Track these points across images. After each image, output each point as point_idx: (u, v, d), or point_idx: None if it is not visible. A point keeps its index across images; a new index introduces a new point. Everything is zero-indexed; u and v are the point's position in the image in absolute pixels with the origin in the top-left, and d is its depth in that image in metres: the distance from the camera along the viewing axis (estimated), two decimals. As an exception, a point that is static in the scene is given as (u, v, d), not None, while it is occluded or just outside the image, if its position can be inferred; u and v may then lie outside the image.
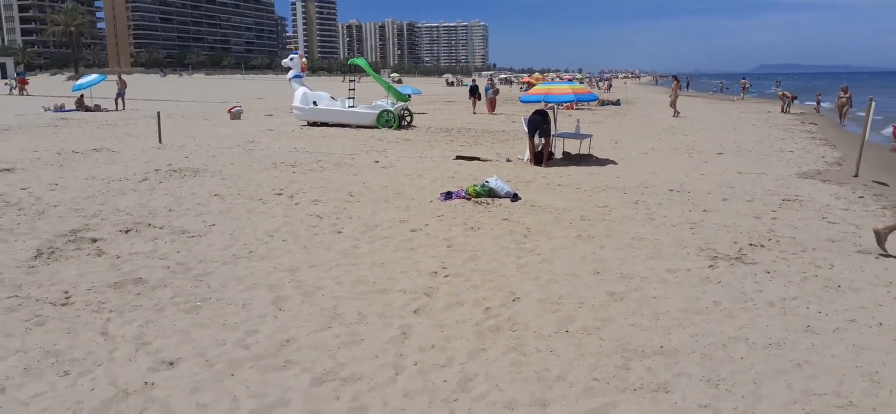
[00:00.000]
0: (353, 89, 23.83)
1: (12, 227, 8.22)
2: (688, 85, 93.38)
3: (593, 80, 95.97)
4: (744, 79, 64.24)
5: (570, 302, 5.71)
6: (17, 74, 57.40)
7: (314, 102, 23.38)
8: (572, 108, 31.80)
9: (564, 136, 15.88)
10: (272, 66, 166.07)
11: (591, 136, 16.33)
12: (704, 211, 9.54)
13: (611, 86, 74.74)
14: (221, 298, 5.82)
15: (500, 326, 5.19)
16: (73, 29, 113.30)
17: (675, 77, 34.79)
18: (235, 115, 26.63)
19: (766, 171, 13.64)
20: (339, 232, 8.22)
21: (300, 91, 23.44)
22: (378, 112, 22.73)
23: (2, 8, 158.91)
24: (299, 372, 4.42)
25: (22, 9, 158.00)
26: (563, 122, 21.01)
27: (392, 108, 22.90)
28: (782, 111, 34.08)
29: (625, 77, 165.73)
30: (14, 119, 25.38)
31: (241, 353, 4.70)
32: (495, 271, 6.55)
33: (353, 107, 23.21)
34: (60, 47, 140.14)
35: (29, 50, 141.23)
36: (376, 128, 22.21)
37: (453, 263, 6.80)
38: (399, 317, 5.38)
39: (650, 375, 4.39)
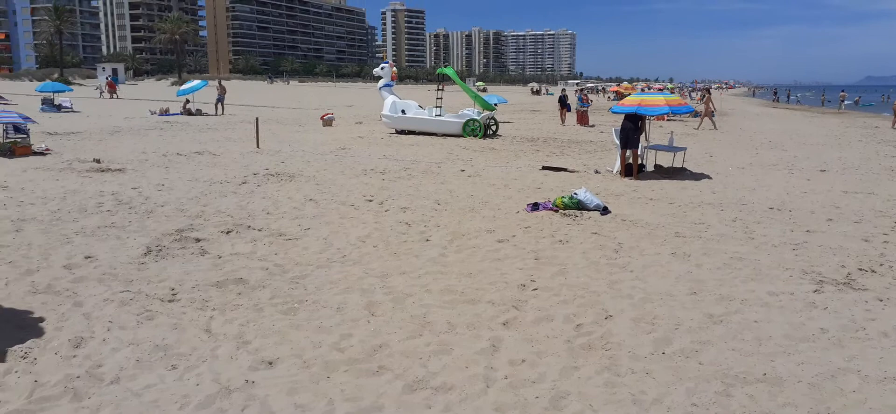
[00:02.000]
0: (441, 98, 24.09)
1: (124, 225, 8.77)
2: (788, 97, 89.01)
3: (685, 90, 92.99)
4: (843, 91, 61.47)
5: (666, 323, 5.54)
6: (108, 79, 61.63)
7: (402, 111, 23.79)
8: (663, 120, 30.82)
9: (657, 148, 15.45)
10: (362, 73, 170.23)
11: (685, 149, 15.81)
12: (808, 231, 9.04)
13: (704, 97, 72.24)
14: (317, 300, 5.99)
15: (593, 343, 5.09)
16: (177, 37, 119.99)
17: (707, 90, 33.64)
18: (328, 122, 27.44)
19: (876, 190, 12.78)
20: (427, 240, 8.30)
21: (390, 100, 23.91)
22: (464, 121, 22.87)
23: (115, 18, 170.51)
24: (392, 378, 4.48)
25: (133, 18, 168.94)
26: (654, 133, 20.46)
27: (478, 118, 22.99)
28: (894, 127, 31.86)
29: (719, 87, 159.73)
30: (124, 122, 27.13)
31: (336, 356, 4.82)
32: (586, 287, 6.43)
33: (440, 115, 23.46)
34: (166, 54, 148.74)
35: (138, 56, 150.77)
36: (462, 136, 22.35)
37: (542, 277, 6.74)
38: (488, 329, 5.37)
39: (753, 404, 4.19)
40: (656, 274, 6.92)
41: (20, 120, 16.82)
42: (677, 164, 15.02)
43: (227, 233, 8.41)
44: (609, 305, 5.94)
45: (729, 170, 15.32)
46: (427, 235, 8.52)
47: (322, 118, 28.16)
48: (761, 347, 5.08)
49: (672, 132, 18.62)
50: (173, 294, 6.08)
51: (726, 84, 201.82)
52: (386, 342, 5.07)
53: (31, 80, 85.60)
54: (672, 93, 39.38)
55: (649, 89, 60.60)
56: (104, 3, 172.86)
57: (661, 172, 14.30)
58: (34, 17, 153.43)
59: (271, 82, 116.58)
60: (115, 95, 49.09)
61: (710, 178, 13.87)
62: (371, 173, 13.90)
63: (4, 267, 6.77)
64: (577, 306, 5.89)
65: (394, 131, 23.64)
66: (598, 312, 5.76)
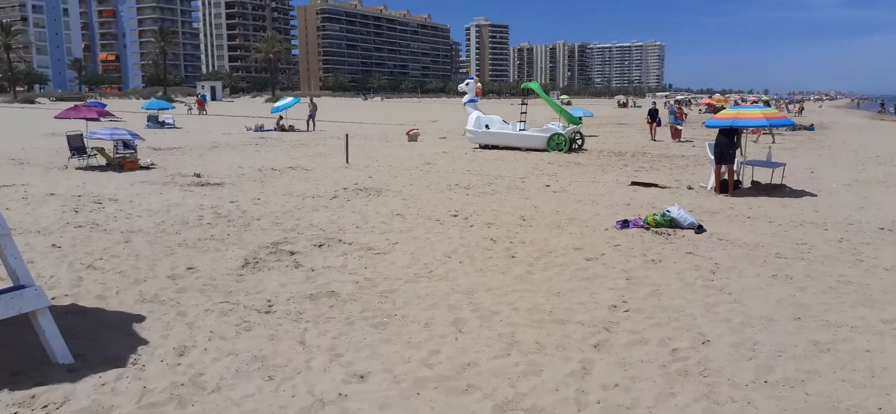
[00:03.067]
0: (525, 112, 24.00)
1: (223, 237, 9.18)
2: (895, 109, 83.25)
3: (782, 102, 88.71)
4: None
5: (768, 349, 5.26)
6: (198, 97, 65.13)
7: (486, 126, 23.85)
8: (759, 134, 29.37)
9: (754, 164, 14.78)
10: (446, 89, 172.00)
11: (784, 164, 15.05)
12: (926, 254, 8.39)
13: (802, 109, 68.67)
14: (405, 315, 6.06)
15: (689, 369, 4.89)
16: (271, 55, 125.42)
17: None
18: (413, 137, 27.87)
19: None
20: (513, 257, 8.25)
21: (474, 115, 24.03)
22: (549, 135, 22.68)
23: (213, 38, 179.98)
24: (481, 398, 4.46)
25: (230, 38, 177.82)
26: (751, 148, 19.60)
27: (563, 131, 22.74)
28: None
29: (818, 99, 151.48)
30: (222, 138, 28.50)
31: (426, 372, 4.85)
32: (681, 309, 6.20)
33: (524, 130, 23.37)
34: (261, 72, 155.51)
35: (234, 74, 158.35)
36: (547, 151, 22.16)
37: (634, 298, 6.55)
38: (578, 350, 5.26)
39: (868, 442, 3.90)
40: (756, 297, 6.59)
41: (129, 136, 17.97)
42: (776, 181, 14.31)
43: (320, 246, 8.66)
44: (706, 328, 5.70)
45: (832, 187, 14.46)
46: (513, 252, 8.47)
47: (408, 134, 28.63)
48: (874, 378, 4.74)
49: (770, 147, 17.79)
50: (269, 306, 6.30)
51: (826, 95, 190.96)
52: (474, 360, 5.06)
53: (137, 99, 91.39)
54: (768, 105, 37.45)
55: (743, 102, 58.17)
56: (204, 24, 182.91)
57: (759, 189, 13.66)
58: (141, 39, 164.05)
59: (365, 99, 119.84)
60: (203, 112, 51.77)
61: (813, 196, 13.14)
62: (456, 188, 13.98)
63: (116, 276, 7.22)
64: (671, 330, 5.68)
65: (477, 146, 23.72)
66: (694, 336, 5.53)
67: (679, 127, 28.37)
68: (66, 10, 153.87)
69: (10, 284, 4.84)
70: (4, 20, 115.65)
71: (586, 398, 4.45)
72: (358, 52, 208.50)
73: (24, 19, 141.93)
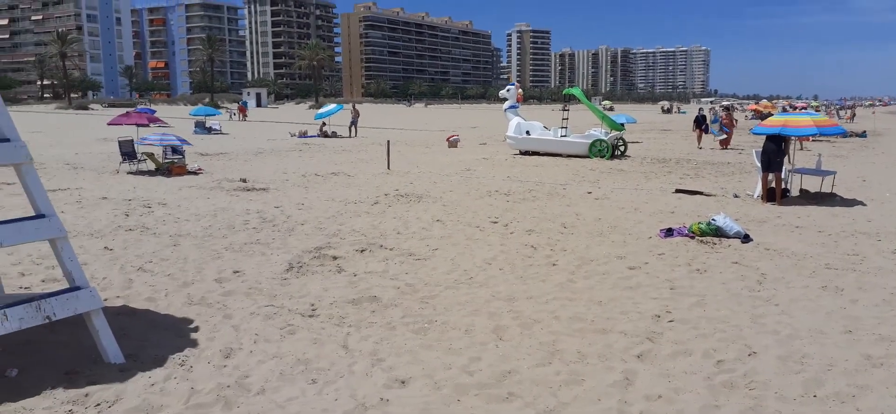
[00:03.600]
0: (567, 119, 23.84)
1: (269, 241, 9.36)
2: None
3: (832, 108, 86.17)
4: None
5: (817, 363, 5.12)
6: (240, 103, 66.48)
7: (527, 132, 23.77)
8: (808, 141, 28.49)
9: (803, 172, 14.40)
10: (486, 95, 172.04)
11: (834, 172, 14.62)
12: None
13: (854, 115, 66.58)
14: (446, 321, 6.08)
15: (735, 382, 4.79)
16: (315, 63, 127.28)
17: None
18: (453, 143, 27.94)
19: None
20: (554, 264, 8.20)
21: (514, 121, 23.98)
22: (590, 141, 22.49)
23: (259, 45, 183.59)
24: (522, 406, 4.45)
25: (275, 46, 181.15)
26: (799, 156, 19.12)
27: (605, 138, 22.52)
28: None
29: (871, 104, 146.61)
30: (267, 144, 29.04)
31: (466, 379, 4.86)
32: (726, 320, 6.08)
33: (565, 136, 23.21)
34: (304, 79, 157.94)
35: (279, 81, 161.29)
36: (588, 157, 21.96)
37: (678, 308, 6.45)
38: (621, 360, 5.21)
39: (925, 462, 3.77)
40: (805, 309, 6.42)
41: (178, 142, 18.45)
42: (826, 190, 13.91)
43: (362, 251, 8.75)
44: (752, 340, 5.58)
45: (886, 196, 13.99)
46: (553, 260, 8.42)
47: (448, 140, 28.71)
48: (932, 396, 4.57)
49: (820, 155, 17.31)
50: (313, 310, 6.39)
51: (880, 100, 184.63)
52: (515, 368, 5.05)
53: (185, 105, 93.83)
54: (818, 112, 36.21)
55: (792, 108, 56.71)
56: (250, 32, 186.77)
57: (808, 198, 13.30)
58: (190, 47, 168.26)
59: (410, 105, 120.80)
60: (244, 118, 52.79)
61: (864, 205, 12.73)
62: (495, 195, 13.97)
63: (165, 279, 7.43)
64: (716, 341, 5.58)
65: (518, 152, 23.65)
66: (740, 347, 5.42)
67: (725, 135, 27.10)
68: (118, 19, 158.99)
69: (66, 286, 5.03)
70: (61, 29, 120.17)
71: (629, 409, 4.40)
72: (399, 59, 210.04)
73: (79, 28, 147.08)
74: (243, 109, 57.07)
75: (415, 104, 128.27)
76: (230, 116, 55.52)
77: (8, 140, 4.55)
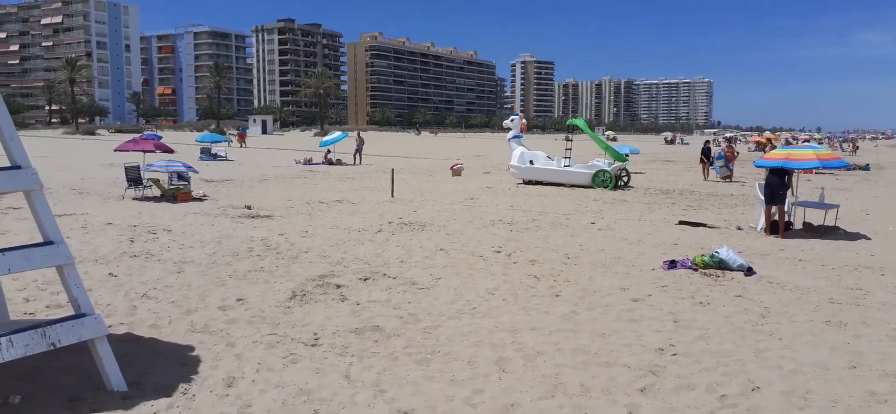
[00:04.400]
0: (570, 149, 23.95)
1: (272, 269, 9.38)
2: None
3: (835, 140, 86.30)
4: None
5: (821, 399, 5.10)
6: (239, 130, 67.27)
7: (531, 161, 23.87)
8: (811, 174, 28.47)
9: (806, 205, 14.42)
10: (490, 124, 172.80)
11: (837, 206, 14.63)
12: None
13: (857, 148, 66.72)
14: (448, 352, 6.08)
15: (738, 417, 4.77)
16: (322, 91, 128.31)
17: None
18: (457, 172, 28.05)
19: None
20: (557, 295, 8.21)
21: (518, 151, 24.11)
22: (594, 172, 22.57)
23: (266, 73, 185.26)
24: (524, 439, 4.44)
25: (282, 73, 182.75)
26: (802, 188, 19.12)
27: (608, 168, 22.60)
28: None
29: (874, 137, 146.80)
30: (272, 170, 29.19)
31: (469, 411, 4.86)
32: (730, 354, 6.07)
33: (568, 166, 23.30)
34: (310, 107, 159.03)
35: (285, 109, 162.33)
36: (592, 187, 22.02)
37: (681, 341, 6.44)
38: (624, 394, 5.20)
39: (930, 501, 3.74)
40: (808, 344, 6.41)
41: (184, 169, 18.57)
42: (829, 223, 13.92)
43: (365, 280, 8.77)
44: (756, 375, 5.56)
45: (890, 230, 13.98)
46: (557, 290, 8.43)
47: (451, 168, 28.82)
48: (937, 434, 4.55)
49: (823, 188, 17.34)
50: (316, 339, 6.40)
51: (882, 134, 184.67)
52: (518, 401, 5.04)
53: (191, 131, 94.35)
54: (821, 144, 36.24)
55: (795, 141, 56.83)
56: (257, 60, 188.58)
57: (811, 231, 13.30)
58: (197, 74, 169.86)
59: (418, 133, 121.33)
60: (243, 145, 53.23)
61: (868, 239, 12.72)
62: (499, 224, 14.00)
63: (169, 306, 7.45)
64: (720, 375, 5.56)
65: (521, 181, 23.72)
66: (743, 382, 5.41)
67: (729, 171, 26.76)
68: (128, 46, 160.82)
69: (70, 312, 5.06)
70: (71, 55, 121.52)
71: (631, 443, 4.39)
72: (404, 88, 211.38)
73: (89, 55, 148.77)
74: (242, 136, 57.69)
75: (423, 133, 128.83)
76: (229, 142, 55.96)
77: (20, 167, 4.62)
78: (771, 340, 6.48)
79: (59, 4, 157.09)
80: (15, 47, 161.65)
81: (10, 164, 4.66)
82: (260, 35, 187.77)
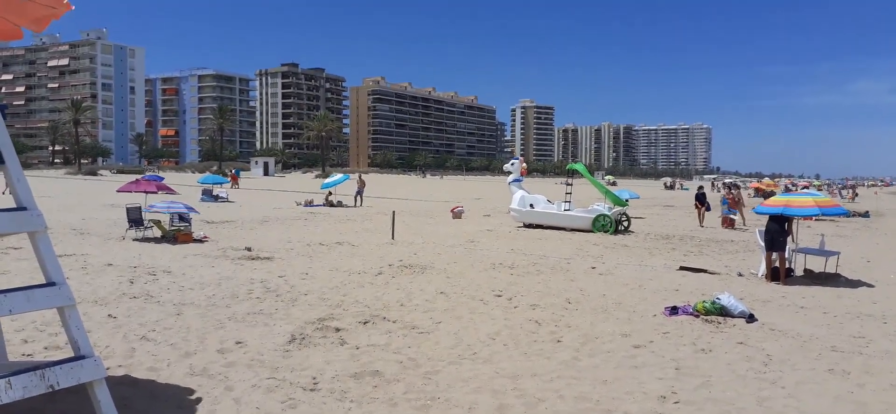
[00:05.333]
0: (570, 193, 24.04)
1: (271, 311, 9.35)
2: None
3: (835, 187, 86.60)
4: None
5: (826, 449, 5.04)
6: (232, 172, 68.03)
7: (531, 205, 23.96)
8: (811, 220, 28.46)
9: (806, 252, 14.41)
10: (490, 167, 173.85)
11: (838, 253, 14.62)
12: None
13: (856, 194, 66.90)
14: (448, 398, 6.02)
15: (742, 467, 4.72)
16: (324, 134, 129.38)
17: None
18: (457, 214, 28.11)
19: None
20: (559, 341, 8.16)
21: (518, 194, 24.22)
22: (594, 216, 22.62)
23: (269, 116, 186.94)
24: (525, 488, 4.38)
25: (285, 116, 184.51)
26: (803, 235, 19.13)
27: (609, 213, 22.65)
28: None
29: (873, 184, 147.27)
30: (272, 212, 29.24)
31: (469, 459, 4.79)
32: (732, 402, 6.01)
33: (568, 210, 23.37)
34: (312, 149, 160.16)
35: (287, 151, 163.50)
36: (592, 232, 22.04)
37: (683, 389, 6.38)
38: (626, 441, 5.13)
39: None
40: (811, 392, 6.35)
41: (185, 210, 18.63)
42: (830, 270, 13.90)
43: (364, 323, 8.73)
44: (759, 424, 5.50)
45: (891, 278, 13.95)
46: (558, 336, 8.38)
47: (452, 211, 28.88)
48: (944, 487, 4.49)
49: (823, 235, 17.36)
50: (315, 383, 6.35)
51: (882, 181, 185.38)
52: (518, 448, 4.98)
53: (193, 172, 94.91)
54: (820, 191, 36.26)
55: (794, 187, 57.00)
56: (261, 103, 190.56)
57: (812, 278, 13.28)
58: (201, 116, 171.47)
59: (424, 176, 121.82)
60: (236, 186, 53.61)
61: (870, 287, 12.69)
62: (499, 267, 13.98)
63: (168, 348, 7.41)
64: (722, 424, 5.51)
65: (522, 225, 23.75)
66: (746, 431, 5.35)
67: (733, 217, 26.62)
68: (133, 88, 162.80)
69: (68, 354, 5.02)
70: (76, 97, 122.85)
71: (634, 493, 4.33)
72: (406, 131, 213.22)
73: (94, 96, 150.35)
74: (235, 178, 58.23)
75: (428, 176, 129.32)
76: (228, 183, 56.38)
77: (25, 209, 4.65)
78: (774, 389, 6.43)
79: (66, 47, 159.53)
80: (21, 88, 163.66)
81: (15, 206, 4.69)
82: (263, 78, 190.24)
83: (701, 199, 27.93)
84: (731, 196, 28.42)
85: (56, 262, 4.88)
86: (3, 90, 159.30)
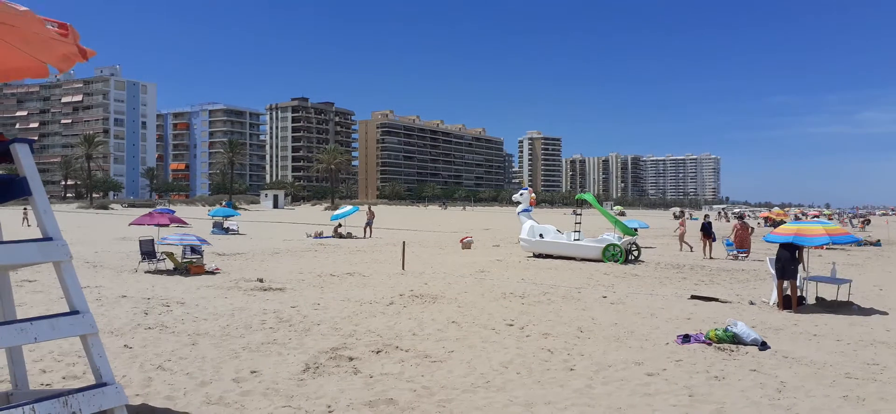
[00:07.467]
0: (580, 223, 24.09)
1: (285, 342, 9.42)
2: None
3: (845, 216, 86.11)
4: None
5: (842, 474, 5.04)
6: (224, 204, 69.53)
7: (540, 235, 24.01)
8: (822, 249, 28.22)
9: (818, 280, 14.37)
10: (498, 198, 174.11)
11: (850, 281, 14.58)
12: None
13: (867, 222, 66.53)
14: (463, 426, 6.05)
15: (758, 492, 4.72)
16: (333, 166, 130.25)
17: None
18: (467, 245, 28.17)
19: None
20: (572, 369, 8.17)
21: (528, 224, 24.30)
22: (604, 246, 22.63)
23: (279, 149, 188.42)
24: None
25: (295, 150, 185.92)
26: (814, 263, 19.06)
27: (618, 242, 22.66)
28: None
29: (884, 214, 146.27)
30: (283, 244, 29.41)
31: (484, 485, 4.82)
32: (747, 428, 6.02)
33: (578, 240, 23.40)
34: (322, 181, 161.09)
35: (296, 183, 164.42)
36: (602, 261, 22.03)
37: (697, 415, 6.39)
38: (641, 467, 5.15)
39: None
40: (827, 419, 6.34)
41: (197, 242, 18.79)
42: (842, 298, 13.85)
43: (377, 352, 8.78)
44: (774, 450, 5.50)
45: (906, 305, 13.87)
46: (571, 364, 8.39)
47: (461, 241, 28.96)
48: None
49: (834, 263, 17.31)
50: (330, 411, 6.39)
51: (893, 210, 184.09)
52: (534, 474, 5.00)
53: (203, 205, 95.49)
54: (830, 220, 36.01)
55: (804, 216, 56.72)
56: (270, 136, 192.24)
57: (824, 306, 13.23)
58: (211, 151, 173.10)
59: (444, 207, 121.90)
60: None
61: (884, 314, 12.63)
62: (510, 297, 14.00)
63: (184, 377, 7.48)
64: (737, 449, 5.51)
65: (531, 255, 23.78)
66: (761, 457, 5.35)
67: (742, 256, 25.06)
68: (144, 123, 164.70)
69: (86, 382, 5.11)
70: (88, 133, 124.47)
71: None
72: (414, 163, 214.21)
73: (106, 131, 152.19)
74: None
75: (448, 207, 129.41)
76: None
77: (51, 239, 4.78)
78: (788, 415, 6.42)
79: (80, 84, 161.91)
80: (35, 124, 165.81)
81: (42, 236, 4.82)
82: (274, 113, 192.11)
83: (707, 229, 26.50)
84: (737, 228, 26.67)
85: (80, 290, 5.00)
86: (18, 126, 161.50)
